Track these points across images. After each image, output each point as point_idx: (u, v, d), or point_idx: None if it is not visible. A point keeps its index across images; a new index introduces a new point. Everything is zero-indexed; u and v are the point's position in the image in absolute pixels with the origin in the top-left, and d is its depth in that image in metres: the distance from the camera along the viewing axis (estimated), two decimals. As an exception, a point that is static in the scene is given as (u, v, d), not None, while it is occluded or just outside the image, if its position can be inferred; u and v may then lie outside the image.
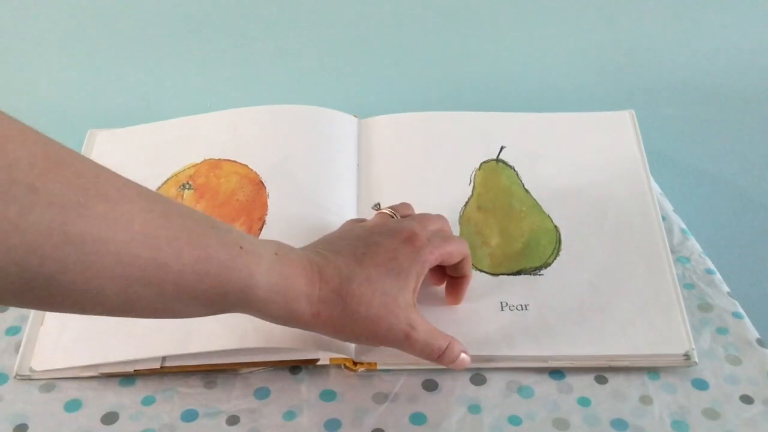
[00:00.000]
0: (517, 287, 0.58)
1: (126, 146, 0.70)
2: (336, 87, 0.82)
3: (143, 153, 0.69)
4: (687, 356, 0.54)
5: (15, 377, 0.54)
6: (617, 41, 0.79)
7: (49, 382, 0.54)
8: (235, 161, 0.66)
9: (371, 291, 0.47)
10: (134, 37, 0.78)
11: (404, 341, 0.49)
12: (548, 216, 0.63)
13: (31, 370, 0.54)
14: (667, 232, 0.63)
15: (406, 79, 0.81)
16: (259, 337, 0.53)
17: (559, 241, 0.61)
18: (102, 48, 0.79)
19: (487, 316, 0.56)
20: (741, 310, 0.59)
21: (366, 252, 0.49)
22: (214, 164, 0.67)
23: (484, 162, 0.67)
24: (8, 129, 0.35)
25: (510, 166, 0.66)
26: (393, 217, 0.55)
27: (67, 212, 0.36)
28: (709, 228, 0.75)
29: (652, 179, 0.66)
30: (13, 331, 0.58)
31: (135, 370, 0.54)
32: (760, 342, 0.57)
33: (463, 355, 0.52)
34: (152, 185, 0.66)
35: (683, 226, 0.67)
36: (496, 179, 0.66)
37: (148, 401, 0.53)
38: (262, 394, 0.54)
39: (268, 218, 0.62)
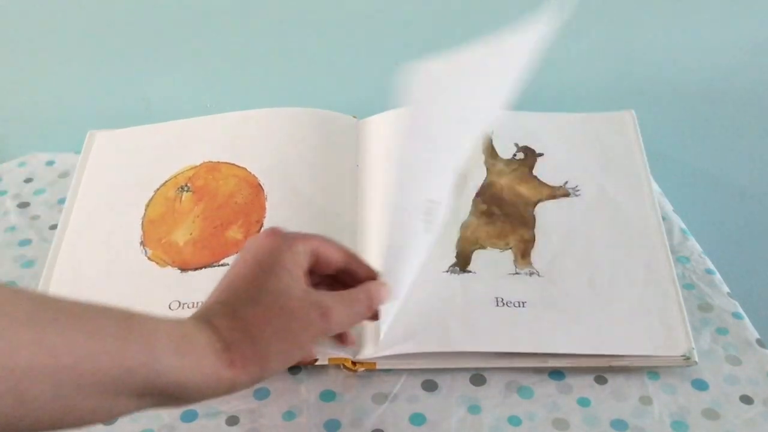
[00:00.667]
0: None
1: (125, 147, 0.70)
2: (336, 87, 0.81)
3: (142, 154, 0.69)
4: (687, 356, 0.54)
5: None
6: (617, 41, 0.78)
7: (49, 382, 0.54)
8: (233, 164, 0.66)
9: (263, 306, 0.43)
10: (134, 38, 0.78)
11: (325, 324, 0.44)
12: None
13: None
14: (667, 232, 0.63)
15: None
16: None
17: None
18: (102, 48, 0.79)
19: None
20: (741, 311, 0.59)
21: (231, 276, 0.45)
22: (212, 167, 0.67)
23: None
24: None
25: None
26: None
27: None
28: (709, 228, 0.74)
29: (652, 179, 0.66)
30: (13, 331, 0.58)
31: (135, 371, 0.54)
32: (760, 342, 0.57)
33: (385, 287, 0.49)
34: (150, 187, 0.66)
35: (683, 226, 0.67)
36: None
37: (147, 401, 0.53)
38: (261, 394, 0.54)
39: (265, 221, 0.62)
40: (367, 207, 0.64)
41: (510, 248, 0.61)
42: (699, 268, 0.63)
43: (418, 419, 0.52)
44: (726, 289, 0.61)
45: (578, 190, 0.64)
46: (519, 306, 0.57)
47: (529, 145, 0.68)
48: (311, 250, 0.47)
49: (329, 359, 0.54)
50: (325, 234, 0.54)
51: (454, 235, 0.61)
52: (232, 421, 0.52)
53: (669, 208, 0.69)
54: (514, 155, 0.67)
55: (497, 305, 0.57)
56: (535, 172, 0.66)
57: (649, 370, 0.55)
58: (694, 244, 0.65)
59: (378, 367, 0.55)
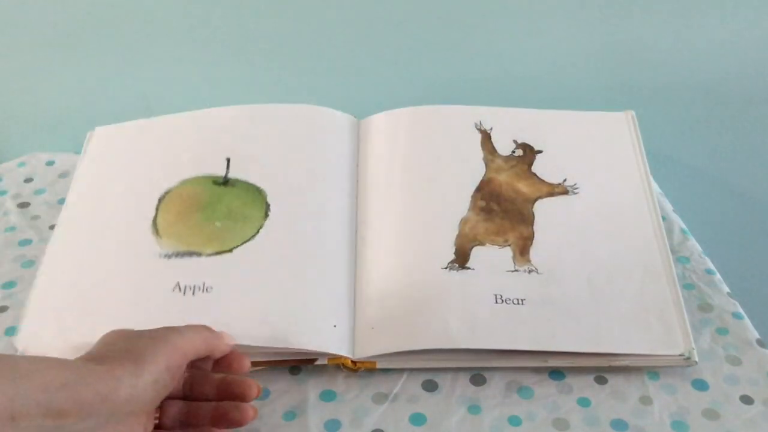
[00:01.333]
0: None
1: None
2: (336, 87, 0.81)
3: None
4: (687, 356, 0.54)
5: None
6: (617, 41, 0.78)
7: (49, 382, 0.54)
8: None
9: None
10: (134, 37, 0.78)
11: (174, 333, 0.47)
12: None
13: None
14: (667, 232, 0.63)
15: (405, 78, 0.81)
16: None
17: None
18: (102, 47, 0.79)
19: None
20: (741, 311, 0.59)
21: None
22: None
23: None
24: None
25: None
26: None
27: None
28: (709, 228, 0.74)
29: (652, 179, 0.66)
30: (13, 331, 0.58)
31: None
32: (760, 342, 0.57)
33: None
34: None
35: (683, 226, 0.67)
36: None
37: (147, 401, 0.53)
38: (262, 394, 0.54)
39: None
40: (367, 207, 0.64)
41: (509, 245, 0.61)
42: (699, 268, 0.63)
43: (418, 419, 0.52)
44: (726, 289, 0.61)
45: (577, 188, 0.64)
46: (518, 303, 0.57)
47: (527, 142, 0.68)
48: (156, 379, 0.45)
49: (329, 359, 0.54)
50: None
51: (453, 232, 0.61)
52: (232, 421, 0.52)
53: (669, 208, 0.69)
54: (513, 152, 0.67)
55: (496, 302, 0.57)
56: (533, 169, 0.66)
57: (649, 370, 0.55)
58: (694, 244, 0.65)
59: (378, 366, 0.55)
